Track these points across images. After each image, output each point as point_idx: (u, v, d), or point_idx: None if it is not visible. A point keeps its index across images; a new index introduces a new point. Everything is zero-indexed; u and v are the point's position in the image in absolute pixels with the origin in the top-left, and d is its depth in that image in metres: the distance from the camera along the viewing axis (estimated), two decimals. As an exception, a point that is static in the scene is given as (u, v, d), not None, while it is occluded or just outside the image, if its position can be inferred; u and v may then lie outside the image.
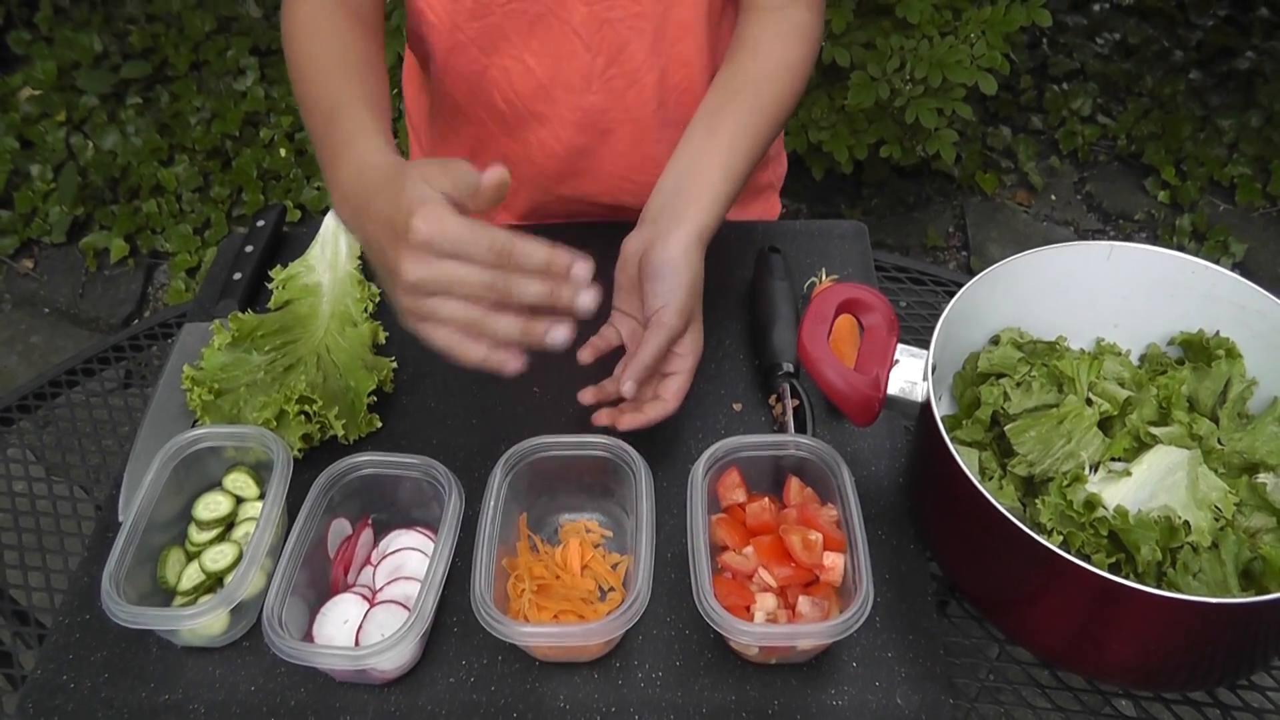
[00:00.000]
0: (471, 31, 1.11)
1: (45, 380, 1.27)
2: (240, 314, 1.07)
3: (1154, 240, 3.09)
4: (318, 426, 1.00)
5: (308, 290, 1.10)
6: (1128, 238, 3.11)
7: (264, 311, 1.11)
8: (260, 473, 0.96)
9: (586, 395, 0.96)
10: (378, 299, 1.11)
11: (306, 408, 0.99)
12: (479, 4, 1.08)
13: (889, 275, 1.27)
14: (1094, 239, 3.13)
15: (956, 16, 2.27)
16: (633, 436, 0.91)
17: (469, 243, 0.72)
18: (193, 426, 1.00)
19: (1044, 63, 3.60)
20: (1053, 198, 3.26)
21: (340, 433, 1.00)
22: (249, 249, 1.21)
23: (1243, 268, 2.98)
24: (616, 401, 0.95)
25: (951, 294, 0.91)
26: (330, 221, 1.15)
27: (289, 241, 1.27)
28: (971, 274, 0.95)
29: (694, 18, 1.11)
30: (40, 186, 3.14)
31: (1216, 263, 0.93)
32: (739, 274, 1.18)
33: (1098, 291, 0.99)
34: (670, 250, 0.93)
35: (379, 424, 1.03)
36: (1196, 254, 3.01)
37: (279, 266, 1.14)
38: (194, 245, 3.01)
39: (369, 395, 1.03)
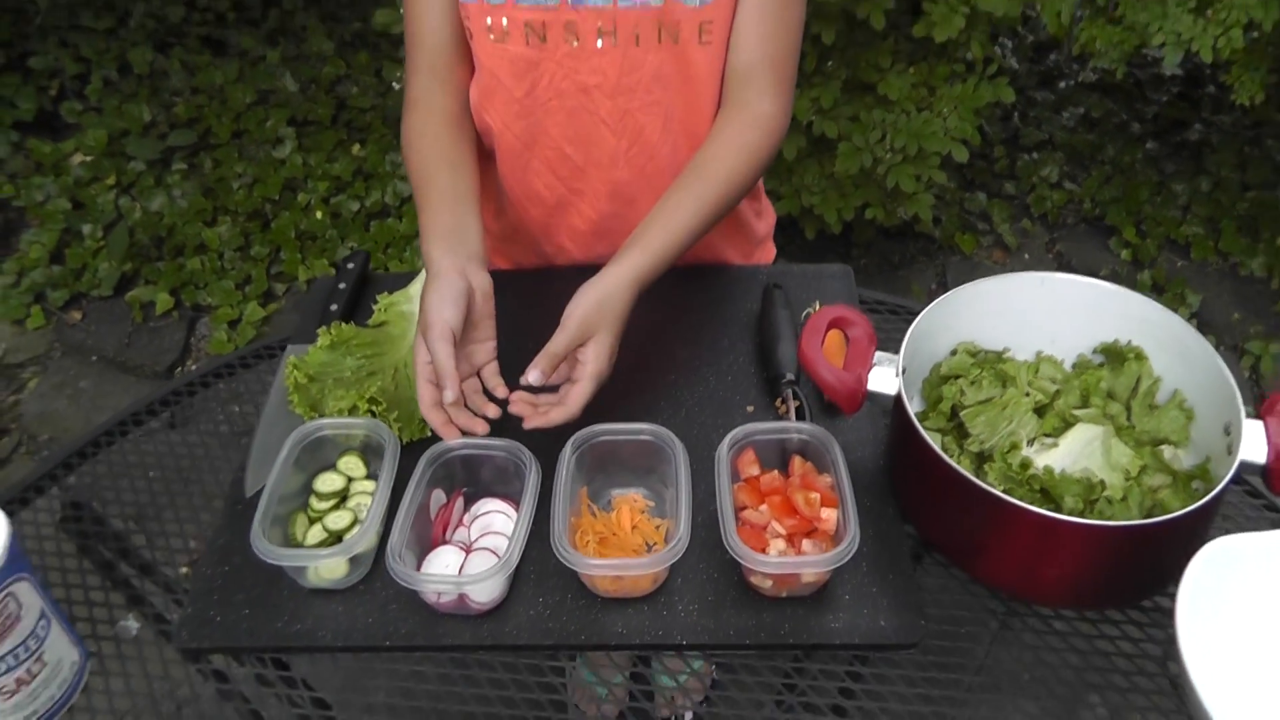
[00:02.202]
0: (518, 129, 1.38)
1: (108, 424, 1.47)
2: (342, 324, 1.32)
3: (1118, 295, 3.36)
4: None
5: (402, 316, 1.36)
6: (1095, 293, 3.38)
7: (363, 326, 1.36)
8: (366, 455, 1.20)
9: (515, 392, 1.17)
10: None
11: (374, 407, 1.22)
12: (524, 106, 1.35)
13: (870, 307, 1.53)
14: (1091, 279, 3.41)
15: (931, 93, 2.56)
16: (670, 424, 1.15)
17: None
18: (302, 421, 1.24)
19: (1015, 134, 3.91)
20: (1026, 256, 3.54)
21: (395, 432, 1.21)
22: (341, 286, 1.46)
23: (1199, 317, 3.26)
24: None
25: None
26: (432, 266, 1.41)
27: (373, 281, 1.52)
28: None
29: (700, 103, 1.36)
30: (90, 244, 3.39)
31: (1175, 311, 1.18)
32: (747, 306, 1.44)
33: (1035, 312, 1.25)
34: (598, 280, 1.18)
35: (427, 433, 1.24)
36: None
37: (385, 293, 1.39)
38: (235, 299, 3.26)
39: None
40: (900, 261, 3.45)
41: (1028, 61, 4.28)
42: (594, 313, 1.16)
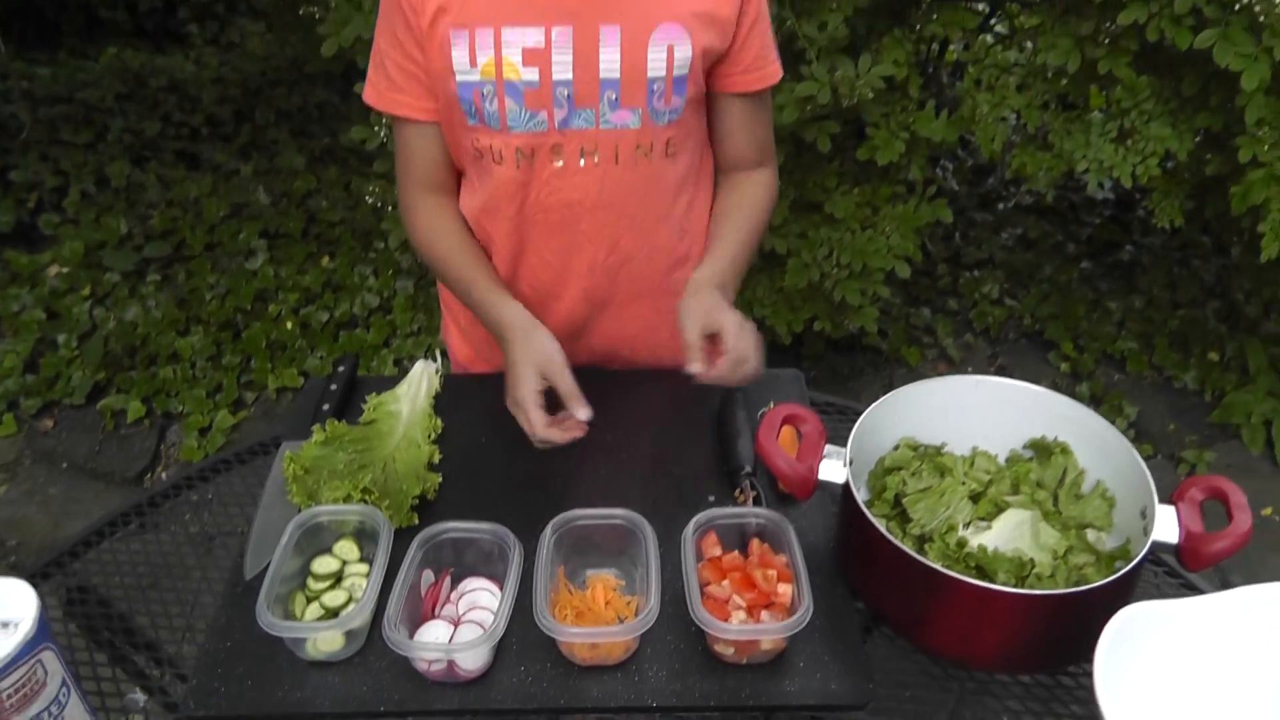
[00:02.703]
0: (510, 242, 1.52)
1: (109, 517, 1.54)
2: (335, 421, 1.42)
3: (1058, 405, 3.53)
4: None
5: (390, 415, 1.46)
6: (1036, 403, 3.55)
7: (354, 424, 1.46)
8: (360, 540, 1.29)
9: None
10: (440, 430, 1.47)
11: (366, 496, 1.32)
12: (514, 223, 1.50)
13: (820, 408, 1.66)
14: (1020, 381, 3.58)
15: (875, 212, 2.74)
16: (640, 511, 1.26)
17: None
18: (298, 513, 1.33)
19: (957, 253, 4.14)
20: (970, 369, 3.71)
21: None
22: (333, 387, 1.57)
23: (1136, 427, 3.43)
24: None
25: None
26: (419, 367, 1.52)
27: (362, 383, 1.63)
28: None
29: (663, 210, 1.52)
30: (65, 354, 3.46)
31: (1113, 424, 1.32)
32: (708, 407, 1.56)
33: (971, 411, 1.37)
34: (693, 294, 1.40)
35: (416, 520, 1.35)
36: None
37: (374, 394, 1.50)
38: (206, 407, 3.34)
39: (414, 498, 1.36)
40: (849, 373, 3.61)
41: (967, 184, 4.54)
42: (709, 312, 1.37)
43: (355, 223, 3.98)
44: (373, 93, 1.48)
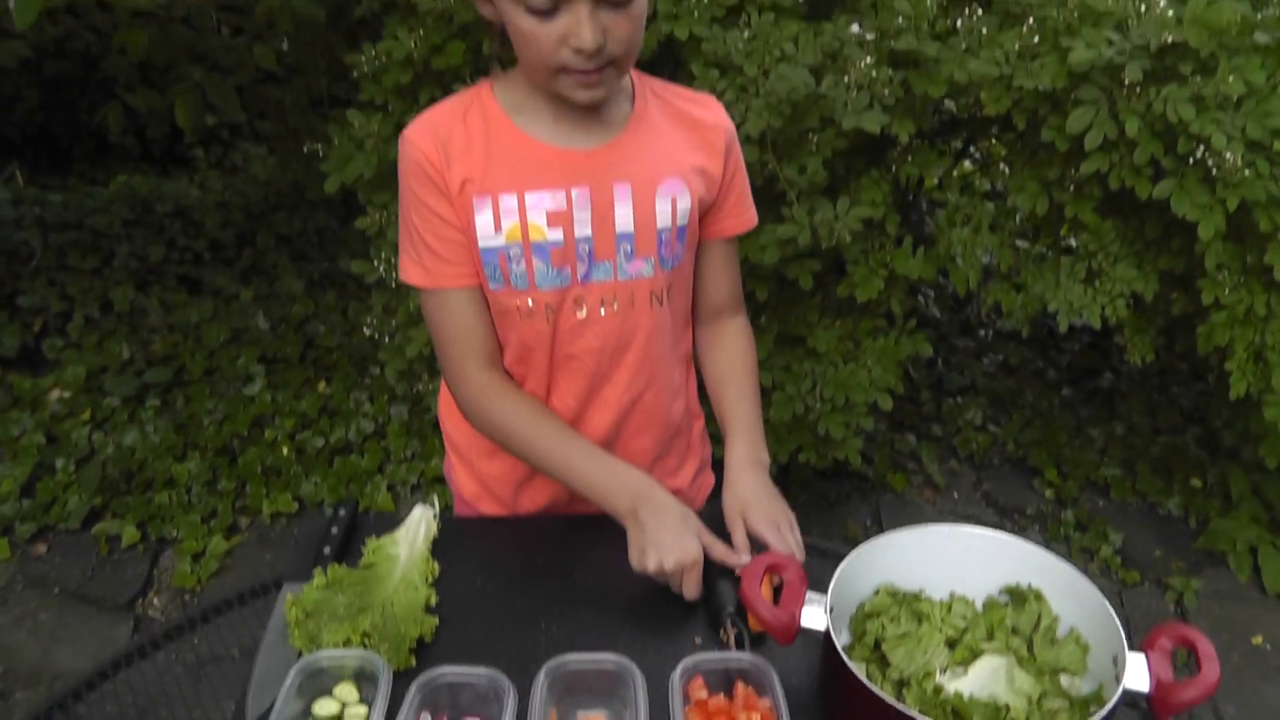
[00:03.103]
0: (538, 389, 1.61)
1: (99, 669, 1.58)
2: (336, 565, 1.48)
3: (1044, 531, 3.59)
4: None
5: (389, 559, 1.51)
6: (1022, 530, 3.61)
7: (354, 567, 1.51)
8: (359, 683, 1.34)
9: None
10: (437, 574, 1.53)
11: (366, 640, 1.37)
12: (542, 370, 1.59)
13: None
14: (994, 530, 3.63)
15: (857, 346, 2.83)
16: (628, 653, 1.30)
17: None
18: (298, 655, 1.37)
19: (940, 379, 4.23)
20: (955, 495, 3.77)
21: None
22: (334, 530, 1.63)
23: (1123, 554, 3.47)
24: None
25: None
26: (417, 512, 1.58)
27: (361, 525, 1.68)
28: None
29: (664, 351, 1.62)
30: (62, 478, 3.49)
31: (1098, 550, 1.38)
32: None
33: (947, 558, 1.43)
34: (732, 485, 1.56)
35: (414, 662, 1.38)
36: (1080, 542, 3.49)
37: (372, 536, 1.56)
38: (201, 533, 3.36)
39: (412, 641, 1.40)
40: (836, 499, 3.66)
41: (948, 310, 4.67)
42: (765, 503, 1.54)
43: (352, 348, 4.07)
44: (417, 271, 1.51)
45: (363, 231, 2.77)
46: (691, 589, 1.43)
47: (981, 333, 4.55)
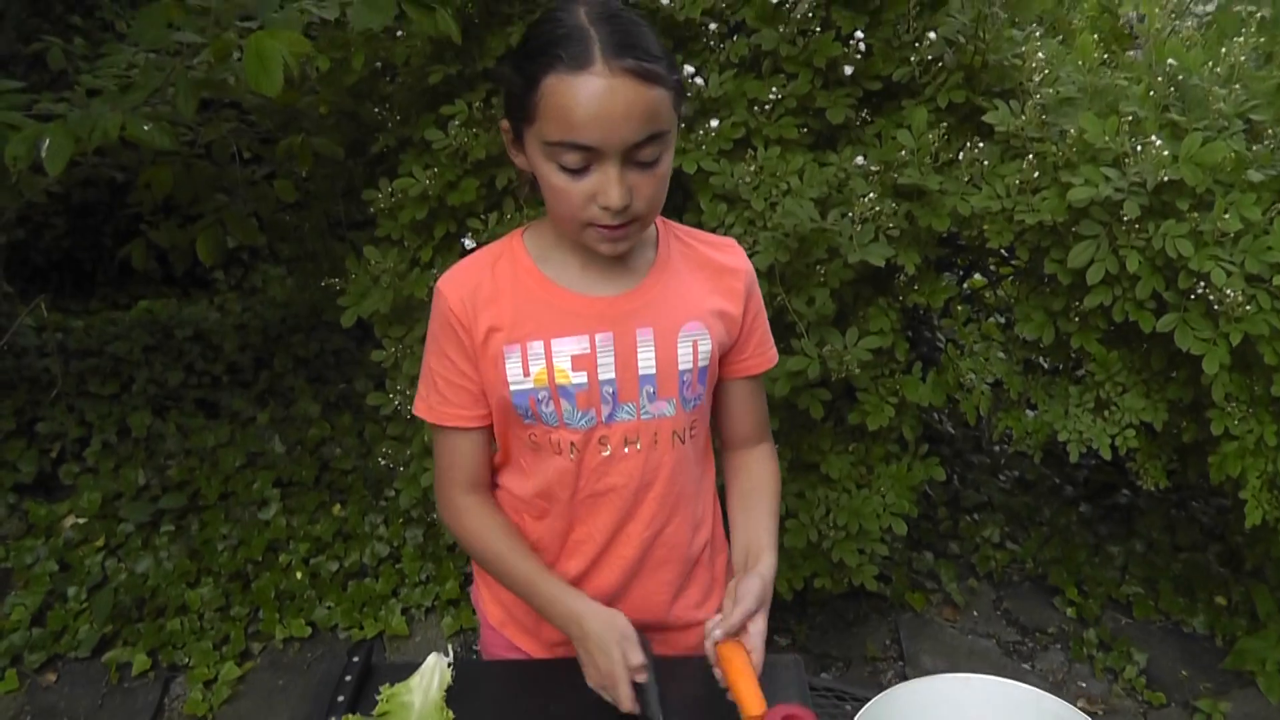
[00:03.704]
0: (559, 526, 1.65)
1: None
2: (350, 716, 1.48)
3: (1067, 650, 3.53)
4: None
5: (404, 707, 1.51)
6: (1044, 649, 3.55)
7: (368, 716, 1.51)
8: None
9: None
10: (450, 721, 1.52)
11: None
12: (566, 507, 1.62)
13: (819, 694, 1.69)
14: (1014, 649, 3.58)
15: (869, 471, 2.83)
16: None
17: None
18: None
19: (956, 496, 4.21)
20: (975, 613, 3.72)
21: None
22: (348, 678, 1.62)
23: (1147, 674, 3.40)
24: None
25: (864, 705, 1.34)
26: (431, 660, 1.57)
27: (376, 671, 1.67)
28: (905, 680, 1.40)
29: (688, 487, 1.65)
30: (74, 606, 3.47)
31: (1122, 671, 1.37)
32: (706, 690, 1.60)
33: (964, 708, 1.42)
34: (750, 580, 1.52)
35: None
36: (1104, 662, 3.44)
37: (386, 685, 1.55)
38: (212, 659, 3.34)
39: None
40: (854, 619, 3.61)
41: (962, 426, 4.66)
42: (754, 607, 1.48)
43: (367, 470, 4.08)
44: (424, 407, 1.62)
45: (379, 363, 2.81)
46: (624, 703, 1.45)
47: (996, 448, 4.54)
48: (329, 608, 3.52)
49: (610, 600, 1.68)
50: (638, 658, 1.46)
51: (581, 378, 1.52)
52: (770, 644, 1.80)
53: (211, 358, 4.69)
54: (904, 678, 3.36)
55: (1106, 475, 4.32)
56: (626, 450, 1.57)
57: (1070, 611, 3.68)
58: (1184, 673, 3.44)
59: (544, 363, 1.51)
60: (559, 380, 1.52)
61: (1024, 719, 1.39)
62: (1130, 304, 2.30)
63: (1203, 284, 2.21)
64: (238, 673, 3.32)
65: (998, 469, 4.41)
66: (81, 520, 3.78)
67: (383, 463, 3.11)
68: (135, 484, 3.89)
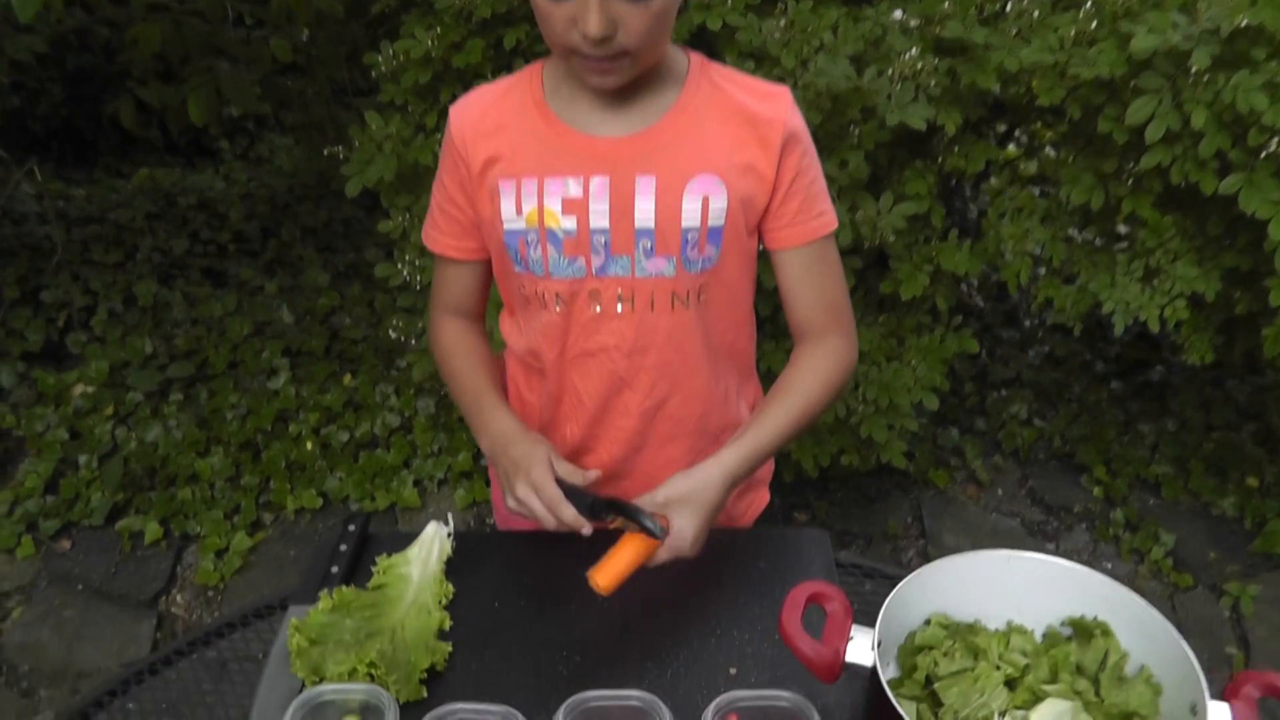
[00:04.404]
0: (550, 386, 1.55)
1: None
2: (343, 588, 1.39)
3: (1092, 530, 3.45)
4: (379, 686, 1.27)
5: (401, 579, 1.42)
6: (1069, 529, 3.48)
7: (363, 588, 1.42)
8: (365, 716, 1.24)
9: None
10: (451, 596, 1.43)
11: (373, 670, 1.27)
12: (555, 366, 1.52)
13: (846, 571, 1.60)
14: (1039, 529, 3.51)
15: (901, 344, 2.71)
16: (657, 690, 1.20)
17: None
18: (301, 688, 1.28)
19: (984, 371, 4.09)
20: (999, 491, 3.64)
21: (393, 694, 1.25)
22: (343, 548, 1.53)
23: (1175, 556, 3.32)
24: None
25: (892, 582, 1.24)
26: (431, 529, 1.48)
27: (373, 541, 1.59)
28: (927, 560, 1.29)
29: (695, 358, 1.51)
30: (85, 475, 3.45)
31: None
32: (727, 571, 1.51)
33: (1004, 586, 1.32)
34: (693, 470, 1.37)
35: (425, 694, 1.29)
36: (1130, 543, 3.35)
37: (384, 555, 1.46)
38: (224, 529, 3.31)
39: (423, 671, 1.30)
40: (876, 496, 3.54)
41: (992, 300, 4.52)
42: (683, 494, 1.34)
43: (378, 340, 3.99)
44: (425, 232, 1.58)
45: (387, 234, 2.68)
46: (569, 519, 1.33)
47: (1027, 323, 4.40)
48: (340, 479, 3.47)
49: (616, 475, 1.60)
50: (548, 485, 1.34)
51: (571, 223, 1.39)
52: (789, 520, 1.72)
53: (217, 226, 4.58)
54: (926, 557, 3.30)
55: (1140, 351, 4.18)
56: (620, 309, 1.45)
57: (1097, 491, 3.60)
58: (1212, 555, 3.36)
59: (535, 202, 1.40)
60: (548, 223, 1.40)
61: (1071, 598, 1.30)
62: (1191, 164, 2.12)
63: (1276, 140, 2.03)
64: (249, 543, 3.29)
65: (1028, 344, 4.28)
66: (90, 389, 3.73)
67: (393, 335, 3.01)
68: (142, 352, 3.82)
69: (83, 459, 3.49)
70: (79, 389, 3.73)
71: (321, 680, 1.28)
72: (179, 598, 3.22)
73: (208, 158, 5.45)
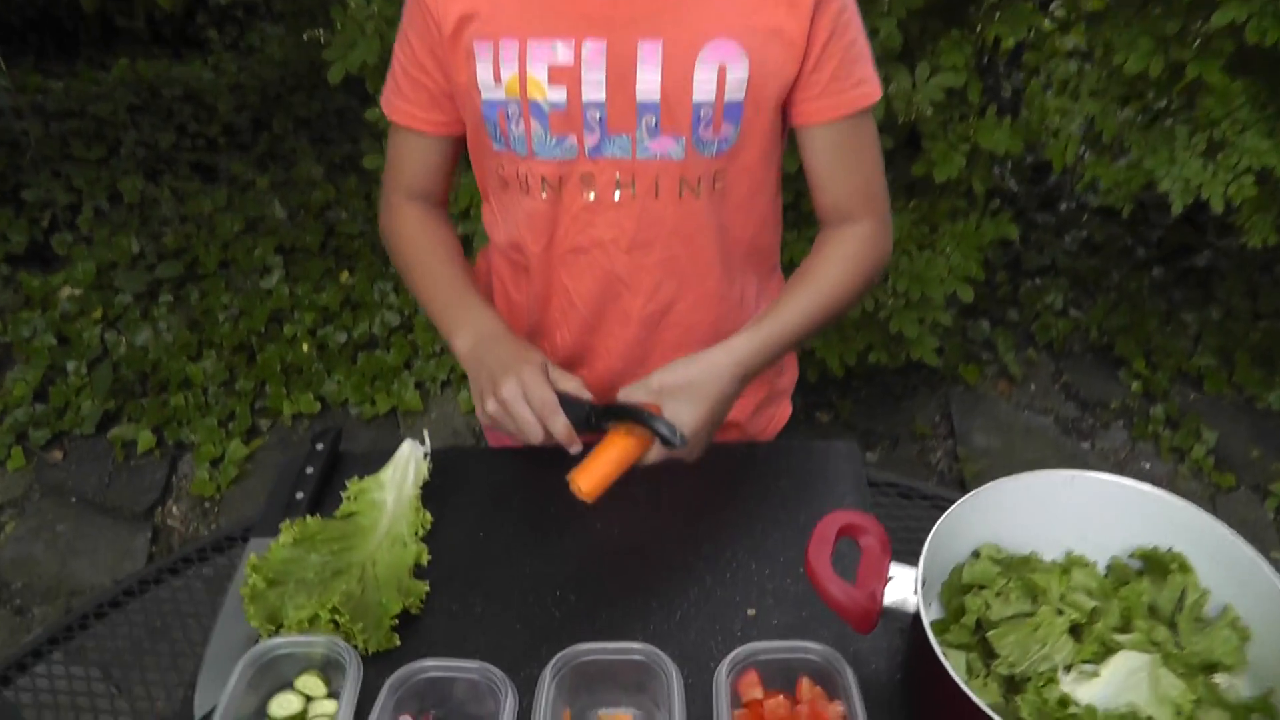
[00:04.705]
0: (536, 285, 1.34)
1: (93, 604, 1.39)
2: (307, 519, 1.22)
3: (1130, 428, 3.26)
4: (343, 635, 1.11)
5: (373, 505, 1.25)
6: (1105, 427, 3.29)
7: (330, 517, 1.25)
8: (327, 673, 1.08)
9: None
10: (429, 526, 1.26)
11: (336, 617, 1.10)
12: (541, 261, 1.31)
13: (879, 490, 1.42)
14: (1073, 426, 3.32)
15: (933, 230, 2.49)
16: (663, 637, 1.04)
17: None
18: (261, 636, 1.12)
19: (1017, 259, 3.86)
20: (1032, 387, 3.45)
21: (360, 645, 1.10)
22: (309, 470, 1.36)
23: (1216, 454, 3.14)
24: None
25: (933, 505, 1.06)
26: (406, 448, 1.31)
27: (345, 461, 1.41)
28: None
29: (707, 253, 1.30)
30: (75, 381, 3.31)
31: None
32: (745, 490, 1.33)
33: (1064, 512, 1.13)
34: (697, 356, 1.19)
35: (397, 642, 1.13)
36: (1170, 441, 3.15)
37: (356, 478, 1.29)
38: (218, 437, 3.17)
39: (394, 616, 1.14)
40: (902, 393, 3.36)
41: (1027, 184, 4.26)
42: (683, 381, 1.16)
43: (375, 235, 3.77)
44: (383, 98, 1.37)
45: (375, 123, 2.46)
46: (560, 430, 1.14)
47: (1063, 207, 4.14)
48: (338, 382, 3.31)
49: (607, 393, 1.38)
50: (540, 386, 1.15)
51: (559, 94, 1.18)
52: (812, 421, 1.53)
53: (205, 119, 4.35)
54: (954, 457, 3.13)
55: (1184, 235, 3.93)
56: (618, 196, 1.24)
57: (1136, 386, 3.40)
58: (1256, 453, 3.17)
59: (516, 68, 1.18)
60: (531, 94, 1.19)
61: (1141, 526, 1.11)
62: (1270, 20, 1.87)
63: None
64: (245, 451, 3.15)
65: (1064, 229, 4.03)
66: (77, 291, 3.57)
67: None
68: (129, 253, 3.64)
69: (71, 365, 3.34)
70: (66, 292, 3.57)
71: (279, 630, 1.12)
72: (175, 509, 3.10)
73: (195, 49, 5.18)
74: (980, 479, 3.26)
